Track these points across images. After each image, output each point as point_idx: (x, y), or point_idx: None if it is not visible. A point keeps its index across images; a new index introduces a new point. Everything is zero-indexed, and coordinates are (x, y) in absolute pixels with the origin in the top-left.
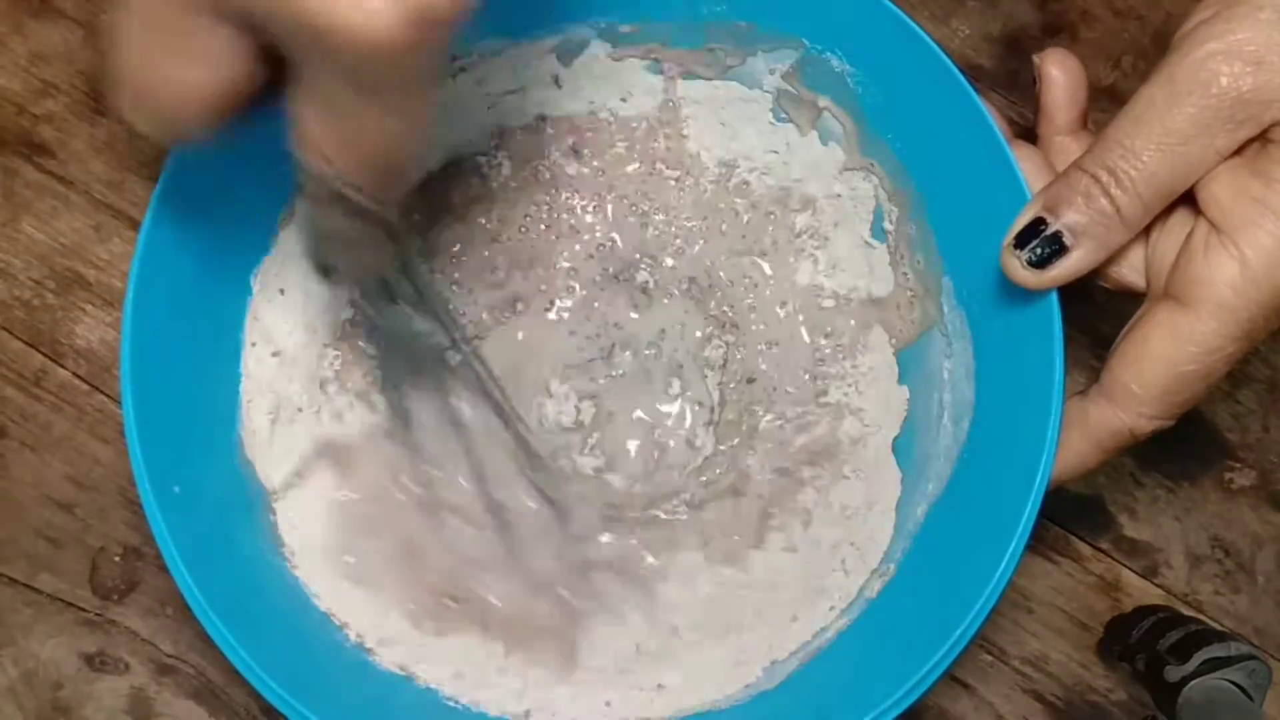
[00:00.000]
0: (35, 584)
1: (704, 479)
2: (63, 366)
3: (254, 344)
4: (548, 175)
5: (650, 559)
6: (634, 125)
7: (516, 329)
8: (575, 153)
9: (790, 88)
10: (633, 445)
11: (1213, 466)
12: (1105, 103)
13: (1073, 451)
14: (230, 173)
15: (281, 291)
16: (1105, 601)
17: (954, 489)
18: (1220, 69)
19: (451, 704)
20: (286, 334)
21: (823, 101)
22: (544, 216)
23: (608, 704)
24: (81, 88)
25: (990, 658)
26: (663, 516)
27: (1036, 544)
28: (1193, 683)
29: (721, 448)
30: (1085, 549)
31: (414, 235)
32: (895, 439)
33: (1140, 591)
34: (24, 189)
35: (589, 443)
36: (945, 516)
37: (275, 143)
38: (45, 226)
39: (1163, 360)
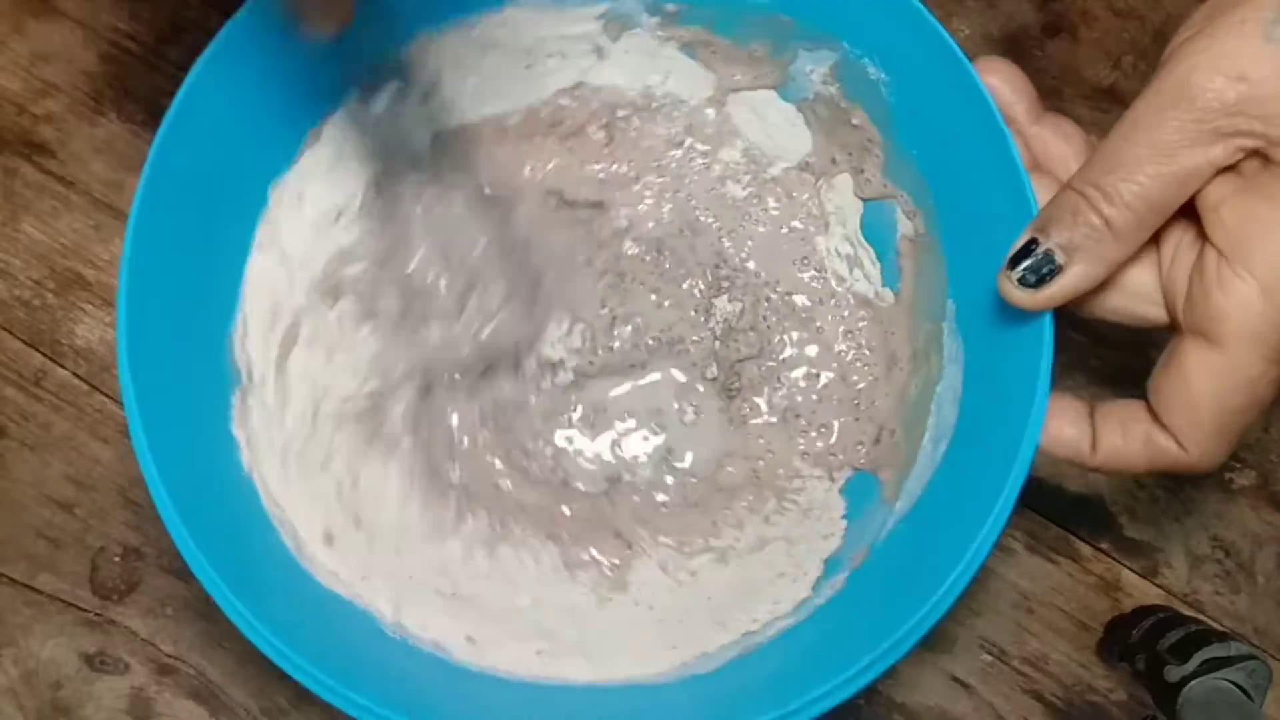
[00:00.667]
0: (35, 584)
1: (668, 478)
2: (63, 366)
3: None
4: (577, 143)
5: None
6: (672, 108)
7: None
8: (606, 126)
9: (827, 92)
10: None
11: None
12: (1106, 103)
13: (1124, 457)
14: (233, 113)
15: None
16: (1105, 601)
17: (921, 507)
18: (1204, 83)
19: (391, 633)
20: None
21: (856, 118)
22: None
23: (538, 653)
24: (82, 88)
25: (990, 658)
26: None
27: (1036, 544)
28: (1193, 683)
29: (696, 445)
30: (1085, 549)
31: None
32: None
33: (1140, 591)
34: (24, 189)
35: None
36: (908, 533)
37: (277, 98)
38: (45, 226)
39: (1211, 400)
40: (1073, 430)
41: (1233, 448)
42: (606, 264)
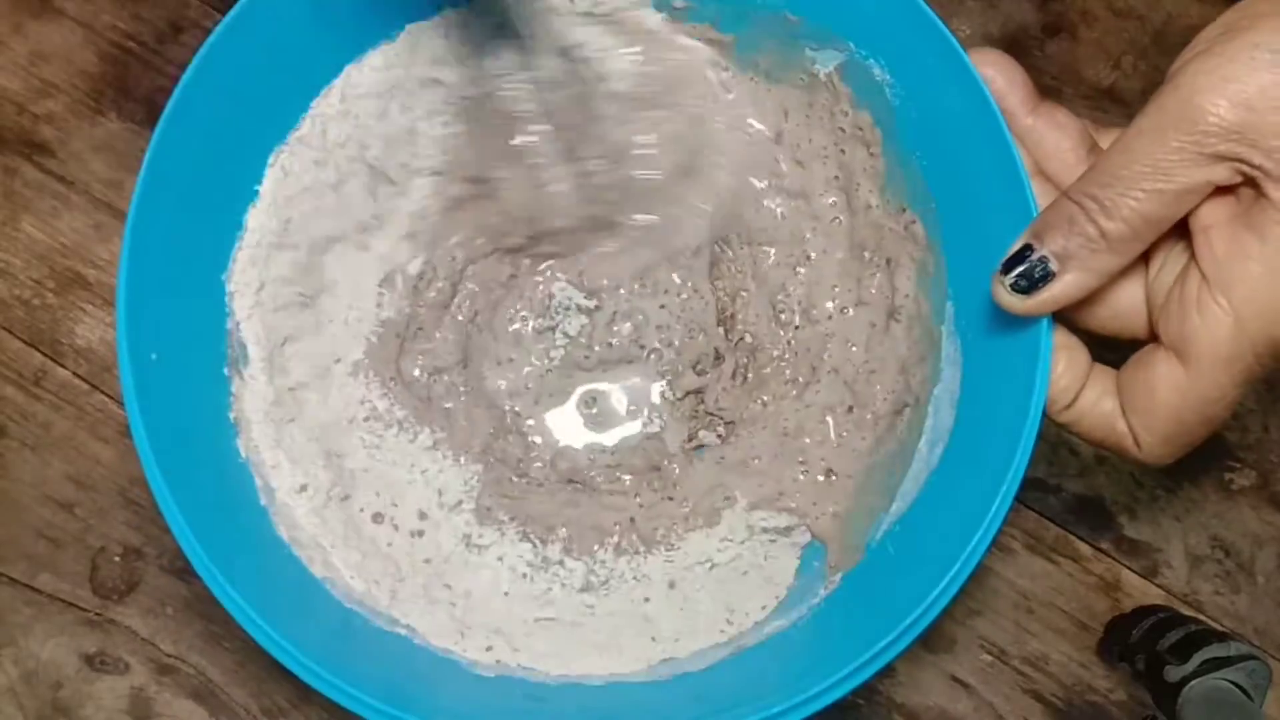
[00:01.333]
0: (35, 584)
1: (663, 471)
2: (63, 366)
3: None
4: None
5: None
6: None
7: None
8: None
9: (830, 88)
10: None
11: (1213, 466)
12: (1106, 103)
13: (1087, 423)
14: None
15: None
16: (1105, 601)
17: (917, 509)
18: (1207, 105)
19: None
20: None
21: (855, 121)
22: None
23: (518, 647)
24: (82, 87)
25: (990, 658)
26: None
27: (1036, 544)
28: (1193, 683)
29: (688, 441)
30: (1085, 549)
31: None
32: None
33: (1140, 591)
34: (24, 189)
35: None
36: (903, 535)
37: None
38: (45, 226)
39: (1169, 412)
40: (1068, 379)
41: (1181, 454)
42: None
